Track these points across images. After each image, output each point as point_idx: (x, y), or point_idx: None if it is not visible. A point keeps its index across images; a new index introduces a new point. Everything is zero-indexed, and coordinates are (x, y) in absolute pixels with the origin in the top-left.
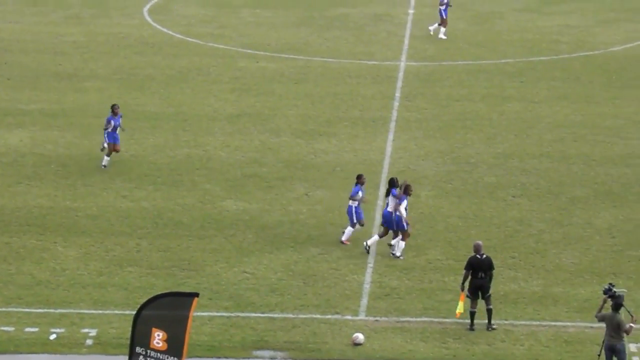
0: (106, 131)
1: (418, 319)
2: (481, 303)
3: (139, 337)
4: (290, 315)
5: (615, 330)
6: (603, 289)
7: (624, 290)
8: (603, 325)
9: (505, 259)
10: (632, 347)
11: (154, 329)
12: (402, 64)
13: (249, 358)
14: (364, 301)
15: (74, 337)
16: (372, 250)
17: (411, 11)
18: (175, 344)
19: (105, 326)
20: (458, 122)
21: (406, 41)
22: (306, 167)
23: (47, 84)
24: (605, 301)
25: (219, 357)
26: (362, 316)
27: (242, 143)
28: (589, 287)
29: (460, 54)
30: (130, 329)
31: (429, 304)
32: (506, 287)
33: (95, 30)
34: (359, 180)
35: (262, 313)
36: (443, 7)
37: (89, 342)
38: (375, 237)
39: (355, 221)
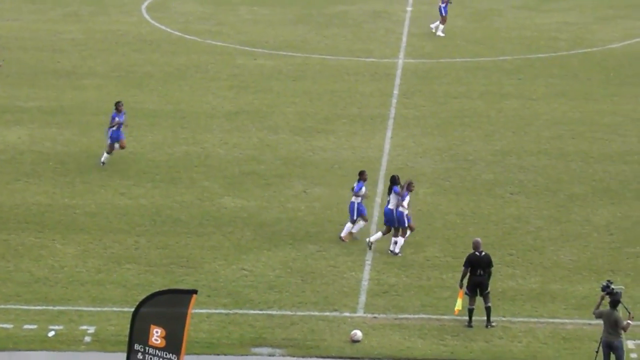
0: (110, 129)
1: (416, 316)
2: (479, 300)
3: (137, 334)
4: (289, 313)
5: (613, 327)
6: (601, 285)
7: (622, 287)
8: (601, 322)
9: (503, 256)
10: (629, 343)
11: (152, 326)
12: (400, 62)
13: (247, 355)
14: (362, 298)
15: (73, 334)
16: (371, 247)
17: (409, 8)
18: (173, 341)
19: (104, 323)
20: (456, 120)
21: (404, 38)
22: (304, 164)
23: (46, 81)
24: (603, 298)
25: (218, 354)
26: (360, 313)
27: (240, 140)
28: (587, 284)
29: (458, 51)
30: (128, 326)
31: (427, 301)
32: (504, 284)
33: (93, 27)
34: (362, 176)
35: (261, 310)
36: (443, 5)
37: (88, 339)
38: (379, 234)
39: (355, 217)
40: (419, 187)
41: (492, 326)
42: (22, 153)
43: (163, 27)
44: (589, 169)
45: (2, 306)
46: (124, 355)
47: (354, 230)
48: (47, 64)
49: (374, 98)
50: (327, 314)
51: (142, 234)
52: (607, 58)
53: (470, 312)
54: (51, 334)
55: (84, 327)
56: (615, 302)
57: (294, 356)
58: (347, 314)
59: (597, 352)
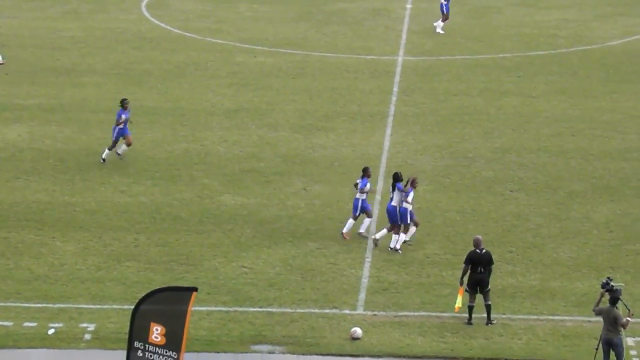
0: (117, 127)
1: (416, 313)
2: (479, 298)
3: (137, 331)
4: (289, 310)
5: (613, 324)
6: (601, 283)
7: (622, 284)
8: (600, 319)
9: (503, 253)
10: (629, 341)
11: (152, 324)
12: (400, 59)
13: (247, 352)
14: (362, 295)
15: (73, 331)
16: (370, 245)
17: (409, 6)
18: (173, 339)
19: (104, 321)
20: (456, 117)
21: (404, 36)
22: (304, 161)
23: (45, 79)
24: (602, 295)
25: (218, 352)
26: (360, 310)
27: (240, 138)
28: (587, 282)
29: (457, 48)
30: (128, 323)
31: (427, 298)
32: (504, 282)
33: (93, 25)
34: (366, 173)
35: (260, 308)
36: (445, 2)
37: (88, 336)
38: (384, 231)
39: (358, 214)
40: (419, 185)
41: (492, 324)
42: (21, 151)
43: (163, 25)
44: (589, 167)
45: (2, 304)
46: (124, 352)
47: (362, 230)
48: (47, 61)
49: (374, 95)
50: (327, 311)
51: (141, 232)
52: (607, 55)
53: (470, 310)
54: (51, 331)
55: (84, 325)
56: (614, 299)
57: (293, 354)
58: (347, 312)
59: (596, 349)
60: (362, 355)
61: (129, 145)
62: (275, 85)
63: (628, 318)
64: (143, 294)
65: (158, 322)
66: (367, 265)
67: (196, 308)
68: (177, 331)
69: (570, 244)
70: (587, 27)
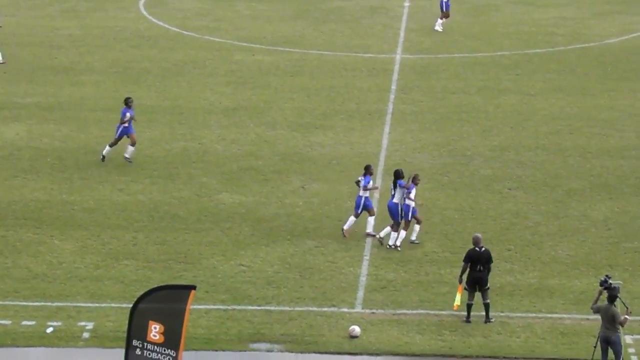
0: (122, 125)
1: (414, 312)
2: (478, 296)
3: (135, 330)
4: (287, 308)
5: (611, 322)
6: (599, 280)
7: (620, 282)
8: (599, 317)
9: (501, 251)
10: (627, 338)
11: (150, 322)
12: (398, 57)
13: (245, 351)
14: (360, 294)
15: (71, 330)
16: (368, 243)
17: (407, 4)
18: (172, 337)
19: (102, 319)
20: (454, 115)
21: (402, 34)
22: (302, 160)
23: (43, 77)
24: (600, 293)
25: (216, 350)
26: (358, 309)
27: (238, 136)
28: (585, 279)
29: (456, 46)
30: (127, 322)
31: (425, 296)
32: (502, 280)
33: (91, 23)
34: (368, 170)
35: (259, 306)
36: (446, 0)
37: (86, 335)
38: (387, 229)
39: (360, 211)
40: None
41: (491, 322)
42: (20, 149)
43: (161, 23)
44: (587, 164)
45: (0, 302)
46: (123, 351)
47: (369, 230)
48: (45, 60)
49: (372, 93)
50: (326, 309)
51: (140, 230)
52: (605, 53)
53: (469, 308)
54: (49, 330)
55: (82, 323)
56: (613, 297)
57: (292, 352)
58: (345, 310)
59: (594, 347)
60: (361, 354)
61: (133, 144)
62: (273, 84)
63: (626, 316)
64: (141, 293)
65: (156, 320)
66: (365, 263)
67: (194, 306)
68: (176, 329)
69: (569, 241)
70: (585, 25)
